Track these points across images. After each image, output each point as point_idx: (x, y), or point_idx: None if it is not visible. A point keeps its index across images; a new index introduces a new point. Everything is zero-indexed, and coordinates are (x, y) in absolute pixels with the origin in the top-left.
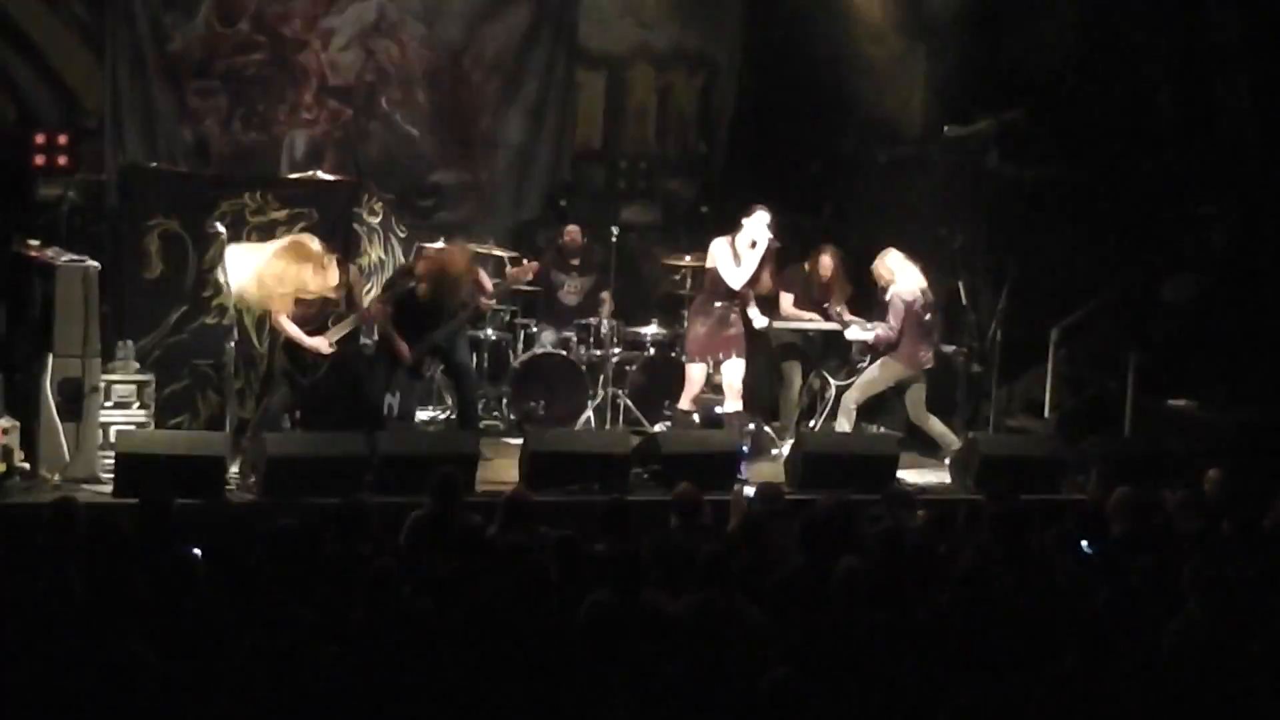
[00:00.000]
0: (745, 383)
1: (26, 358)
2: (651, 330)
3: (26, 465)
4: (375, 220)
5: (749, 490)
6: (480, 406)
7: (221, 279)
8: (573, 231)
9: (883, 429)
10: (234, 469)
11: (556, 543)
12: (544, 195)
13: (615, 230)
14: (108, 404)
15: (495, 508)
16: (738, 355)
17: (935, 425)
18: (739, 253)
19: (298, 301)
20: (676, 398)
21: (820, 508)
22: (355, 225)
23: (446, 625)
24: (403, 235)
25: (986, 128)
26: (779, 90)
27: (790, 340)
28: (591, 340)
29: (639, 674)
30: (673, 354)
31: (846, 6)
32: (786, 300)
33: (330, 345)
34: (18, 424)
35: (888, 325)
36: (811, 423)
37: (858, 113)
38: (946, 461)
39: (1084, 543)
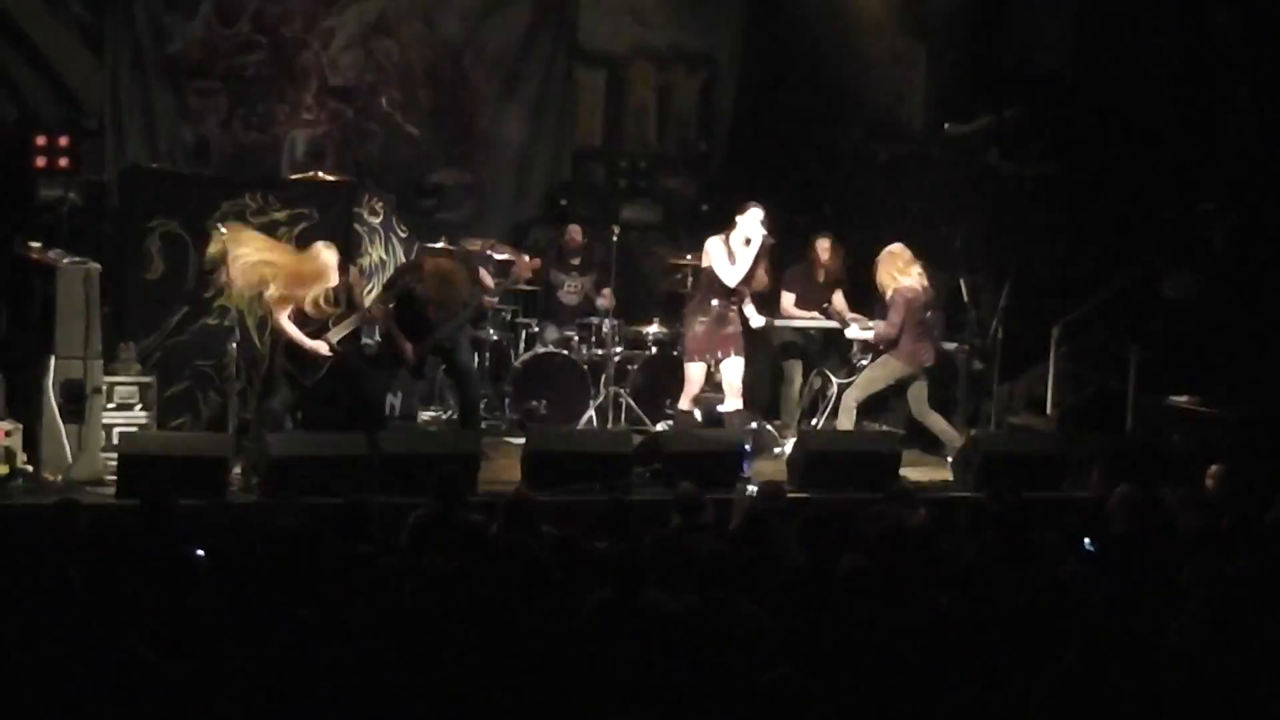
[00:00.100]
0: (746, 381)
1: (28, 359)
2: (653, 329)
3: (29, 467)
4: (376, 220)
5: (751, 489)
6: (482, 406)
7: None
8: (573, 231)
9: (884, 427)
10: (236, 470)
11: (558, 542)
12: (544, 194)
13: (616, 229)
14: (110, 405)
15: (497, 507)
16: (736, 354)
17: (937, 423)
18: (733, 250)
19: (300, 302)
20: (678, 397)
21: (822, 506)
22: (356, 225)
23: (448, 625)
24: (404, 235)
25: (987, 125)
26: (779, 88)
27: (791, 339)
28: (593, 339)
29: (640, 673)
30: (674, 353)
31: (846, 4)
32: (788, 299)
33: (331, 347)
34: (20, 426)
35: (888, 322)
36: (813, 421)
37: (858, 110)
38: (949, 459)
39: (1086, 541)
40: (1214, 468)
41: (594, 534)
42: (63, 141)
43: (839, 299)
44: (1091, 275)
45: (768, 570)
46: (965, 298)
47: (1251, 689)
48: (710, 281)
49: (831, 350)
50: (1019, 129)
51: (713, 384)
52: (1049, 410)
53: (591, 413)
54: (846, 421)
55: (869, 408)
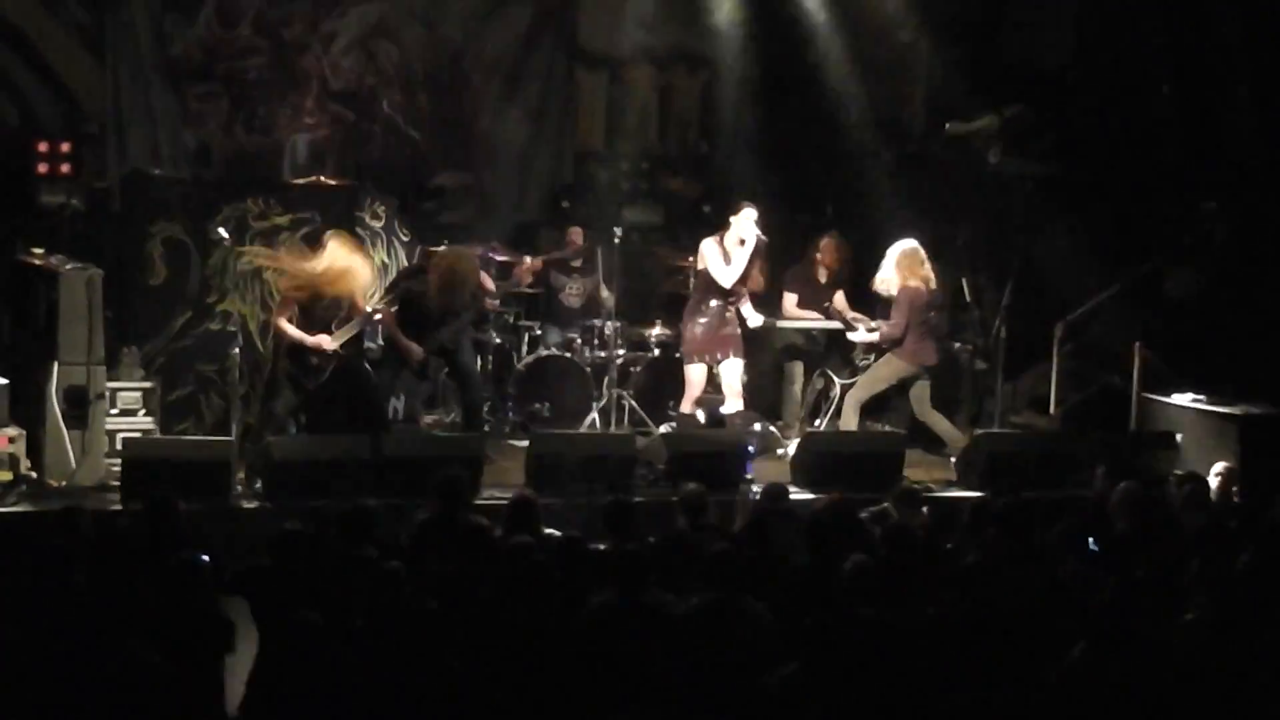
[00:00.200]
0: (749, 382)
1: (31, 365)
2: (655, 331)
3: (33, 473)
4: (378, 224)
5: (755, 490)
6: (485, 409)
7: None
8: (574, 233)
9: (887, 427)
10: (239, 474)
11: (561, 544)
12: (546, 196)
13: (618, 231)
14: (113, 411)
15: (500, 510)
16: (735, 355)
17: (940, 422)
18: (728, 251)
19: (302, 304)
20: (681, 399)
21: (826, 506)
22: (358, 229)
23: (452, 627)
24: (406, 239)
25: (988, 124)
26: (780, 88)
27: (793, 340)
28: (595, 342)
29: (644, 674)
30: (677, 355)
31: (847, 3)
32: (789, 300)
33: (334, 345)
34: (23, 432)
35: (893, 322)
36: (817, 422)
37: (859, 110)
38: (951, 459)
39: (1090, 540)
40: (1217, 465)
41: (597, 535)
42: (64, 147)
43: (840, 299)
44: (1094, 274)
45: (772, 571)
46: (968, 297)
47: (1254, 687)
48: (707, 283)
49: (834, 351)
50: (1021, 128)
51: (714, 385)
52: (1052, 409)
53: (594, 415)
54: (850, 422)
55: (871, 408)
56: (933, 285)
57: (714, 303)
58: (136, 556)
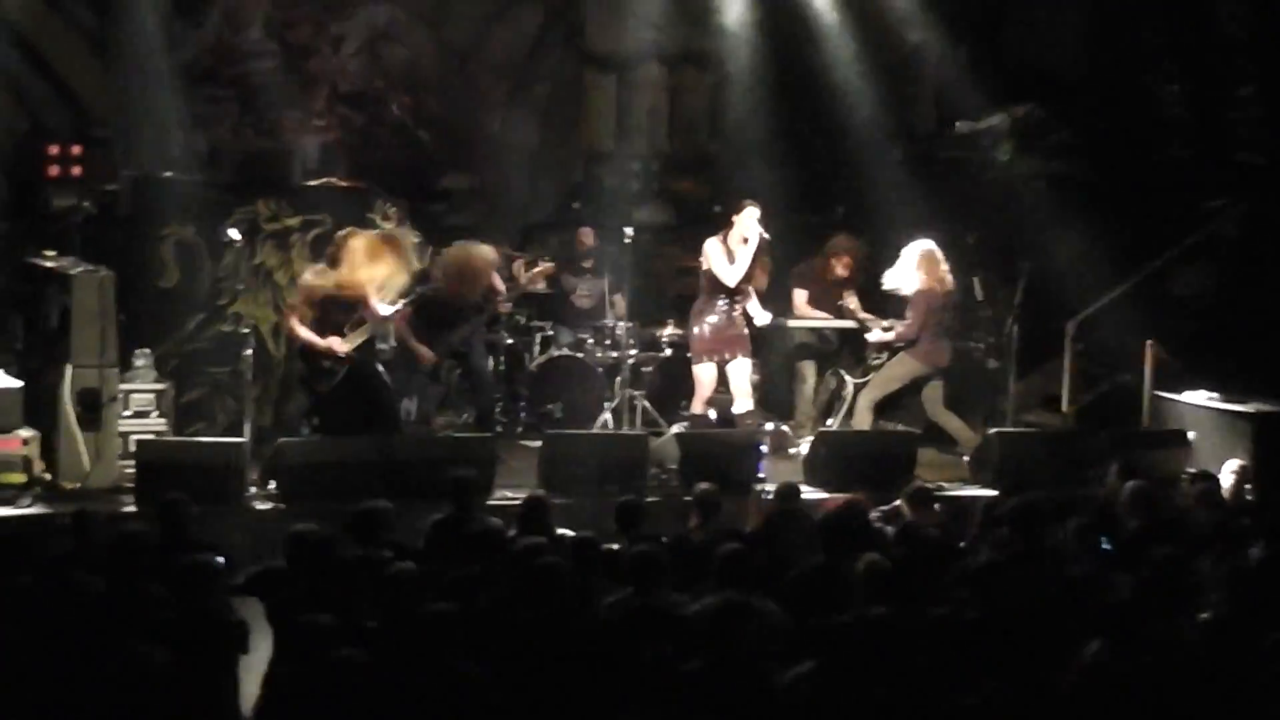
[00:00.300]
0: (761, 381)
1: (44, 368)
2: (667, 331)
3: (47, 475)
4: (389, 226)
5: (768, 490)
6: (497, 410)
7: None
8: (583, 234)
9: (900, 427)
10: (253, 475)
11: (574, 544)
12: (555, 198)
13: (628, 232)
14: (126, 413)
15: (513, 510)
16: (743, 355)
17: (952, 422)
18: (732, 250)
19: (315, 306)
20: (693, 399)
21: (838, 506)
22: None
23: (465, 628)
24: (415, 240)
25: (998, 123)
26: (789, 88)
27: (805, 339)
28: (607, 342)
29: (658, 674)
30: (688, 355)
31: (856, 4)
32: (800, 298)
33: (346, 348)
34: (37, 434)
35: (908, 323)
36: (829, 421)
37: (869, 110)
38: (964, 458)
39: (1103, 539)
40: (1230, 463)
41: (610, 536)
42: (74, 150)
43: (852, 299)
44: (1105, 271)
45: (784, 570)
46: (979, 296)
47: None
48: (712, 283)
49: (846, 350)
50: (1030, 127)
51: (725, 385)
52: (1064, 408)
53: (607, 415)
54: (863, 421)
55: (884, 407)
56: (949, 286)
57: (720, 302)
58: (150, 558)
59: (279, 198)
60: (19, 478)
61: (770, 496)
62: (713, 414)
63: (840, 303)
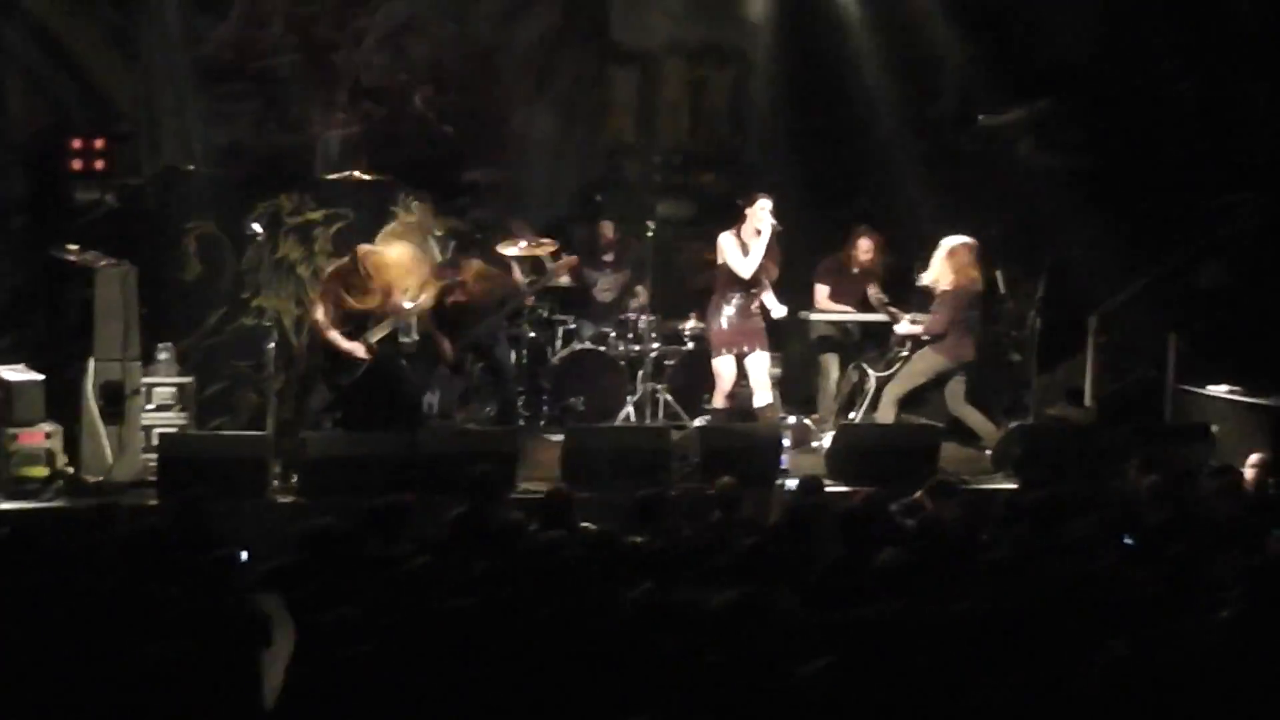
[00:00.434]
0: (783, 375)
1: (67, 362)
2: (689, 325)
3: (70, 469)
4: (412, 220)
5: (790, 483)
6: (519, 403)
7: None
8: (604, 227)
9: (924, 420)
10: (275, 469)
11: (596, 538)
12: (578, 191)
13: (651, 225)
14: (149, 406)
15: (535, 505)
16: (761, 348)
17: (974, 416)
18: (745, 242)
19: (339, 302)
20: (714, 391)
21: (860, 500)
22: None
23: (486, 623)
24: (438, 234)
25: (1019, 117)
26: (811, 82)
27: (827, 332)
28: (629, 336)
29: (678, 668)
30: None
31: None
32: (821, 292)
33: (369, 348)
34: (60, 428)
35: (938, 318)
36: (851, 414)
37: (891, 103)
38: (986, 451)
39: (1124, 534)
40: (1253, 457)
41: (632, 530)
42: (98, 144)
43: (875, 292)
44: (1127, 264)
45: (805, 564)
46: (1002, 289)
47: None
48: (728, 276)
49: (868, 343)
50: (1052, 121)
51: (744, 379)
52: (1086, 401)
53: (629, 409)
54: (888, 415)
55: (906, 401)
56: (978, 285)
57: (737, 296)
58: (172, 552)
59: (301, 191)
60: (42, 471)
61: (792, 490)
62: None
63: (872, 291)
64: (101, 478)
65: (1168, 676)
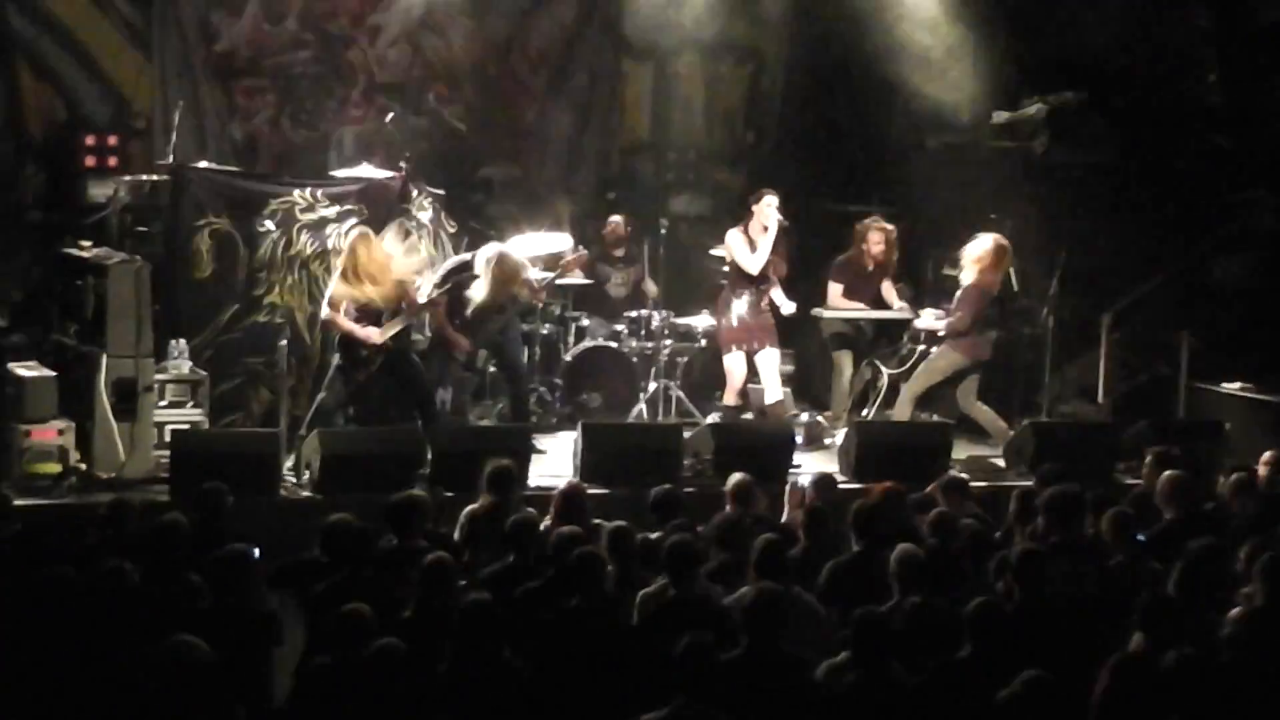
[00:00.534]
0: (797, 371)
1: (80, 358)
2: (702, 321)
3: (82, 465)
4: (425, 216)
5: (803, 480)
6: (533, 400)
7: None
8: (615, 224)
9: (935, 417)
10: (288, 466)
11: (610, 534)
12: (592, 188)
13: (664, 222)
14: (162, 403)
15: (549, 501)
16: (771, 345)
17: (985, 414)
18: (752, 239)
19: (355, 298)
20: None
21: (874, 497)
22: (405, 221)
23: (501, 619)
24: (452, 231)
25: (1036, 113)
26: (826, 79)
27: (841, 329)
28: (642, 332)
29: (694, 664)
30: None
31: None
32: (835, 290)
33: (383, 338)
34: (73, 424)
35: (960, 316)
36: (864, 411)
37: (906, 100)
38: (999, 449)
39: (1138, 532)
40: (1267, 454)
41: (646, 526)
42: (111, 141)
43: (889, 290)
44: (1141, 262)
45: (820, 561)
46: (1015, 286)
47: None
48: (737, 273)
49: (882, 340)
50: (1068, 117)
51: (755, 376)
52: (1100, 398)
53: (642, 405)
54: (905, 413)
55: (919, 399)
56: (998, 286)
57: (746, 293)
58: (185, 549)
59: (316, 188)
60: (54, 468)
61: (805, 487)
62: (744, 408)
63: (886, 288)
64: (114, 474)
65: (1184, 672)
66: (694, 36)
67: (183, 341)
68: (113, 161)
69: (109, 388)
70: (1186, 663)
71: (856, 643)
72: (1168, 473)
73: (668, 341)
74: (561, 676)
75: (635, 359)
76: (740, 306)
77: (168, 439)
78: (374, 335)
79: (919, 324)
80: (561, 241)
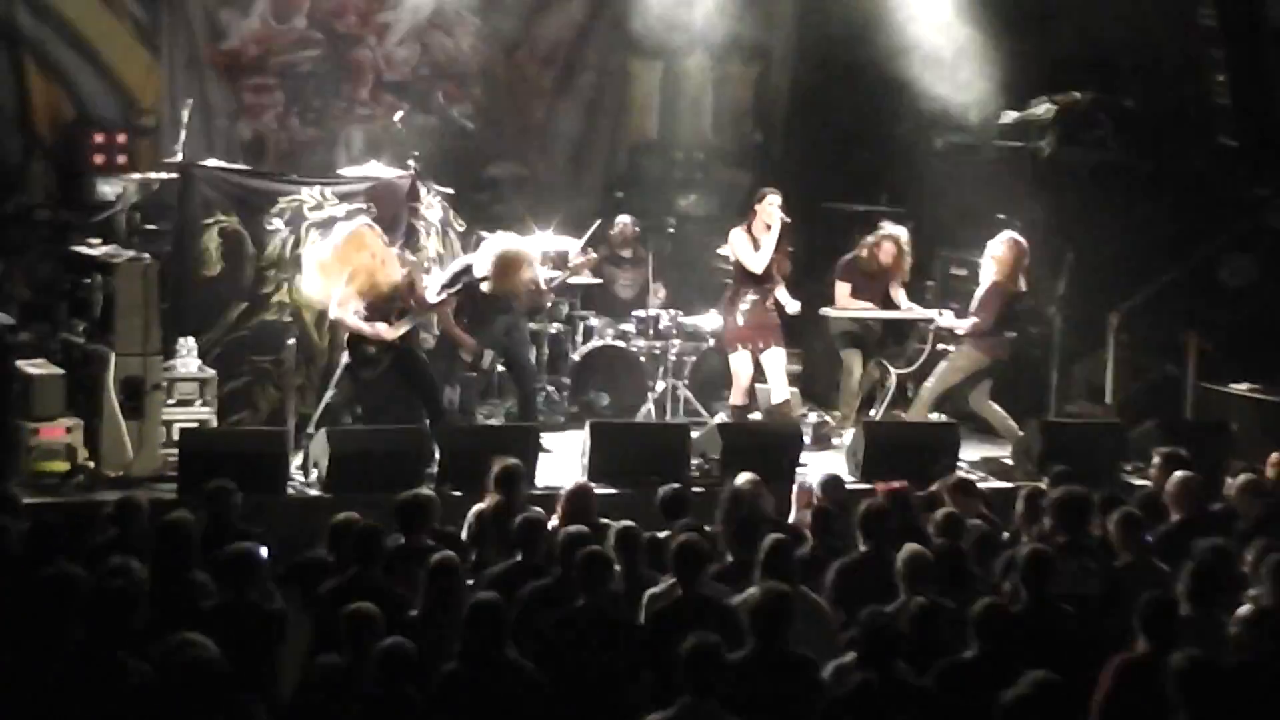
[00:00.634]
0: (805, 371)
1: (88, 356)
2: (710, 321)
3: (90, 463)
4: (434, 215)
5: (811, 480)
6: (540, 399)
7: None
8: (623, 224)
9: (944, 417)
10: (296, 464)
11: (618, 534)
12: (600, 187)
13: (672, 222)
14: (170, 401)
15: (557, 500)
16: (777, 344)
17: (996, 414)
18: (756, 238)
19: (365, 295)
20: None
21: (881, 497)
22: (413, 220)
23: (508, 617)
24: (460, 229)
25: (1044, 113)
26: (834, 78)
27: (849, 329)
28: (650, 332)
29: (701, 664)
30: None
31: None
32: (843, 290)
33: (393, 335)
34: (80, 422)
35: (982, 317)
36: (871, 411)
37: (914, 99)
38: (1009, 449)
39: (1145, 533)
40: (1275, 455)
41: (653, 525)
42: (120, 139)
43: (897, 291)
44: (1149, 261)
45: (828, 560)
46: (1023, 286)
47: None
48: (741, 273)
49: (889, 340)
50: (1076, 116)
51: (762, 375)
52: (1108, 398)
53: (650, 405)
54: (923, 413)
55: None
56: (1020, 285)
57: (751, 292)
58: (192, 547)
59: (324, 186)
60: (62, 466)
61: (812, 487)
62: (751, 408)
63: (894, 290)
64: (121, 472)
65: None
66: (702, 36)
67: (191, 340)
68: (121, 160)
69: (117, 386)
70: (1193, 664)
71: (864, 643)
72: (1175, 473)
73: (675, 341)
74: (568, 676)
75: (643, 358)
76: (745, 306)
77: (175, 437)
78: (384, 331)
79: (941, 323)
80: (570, 243)
